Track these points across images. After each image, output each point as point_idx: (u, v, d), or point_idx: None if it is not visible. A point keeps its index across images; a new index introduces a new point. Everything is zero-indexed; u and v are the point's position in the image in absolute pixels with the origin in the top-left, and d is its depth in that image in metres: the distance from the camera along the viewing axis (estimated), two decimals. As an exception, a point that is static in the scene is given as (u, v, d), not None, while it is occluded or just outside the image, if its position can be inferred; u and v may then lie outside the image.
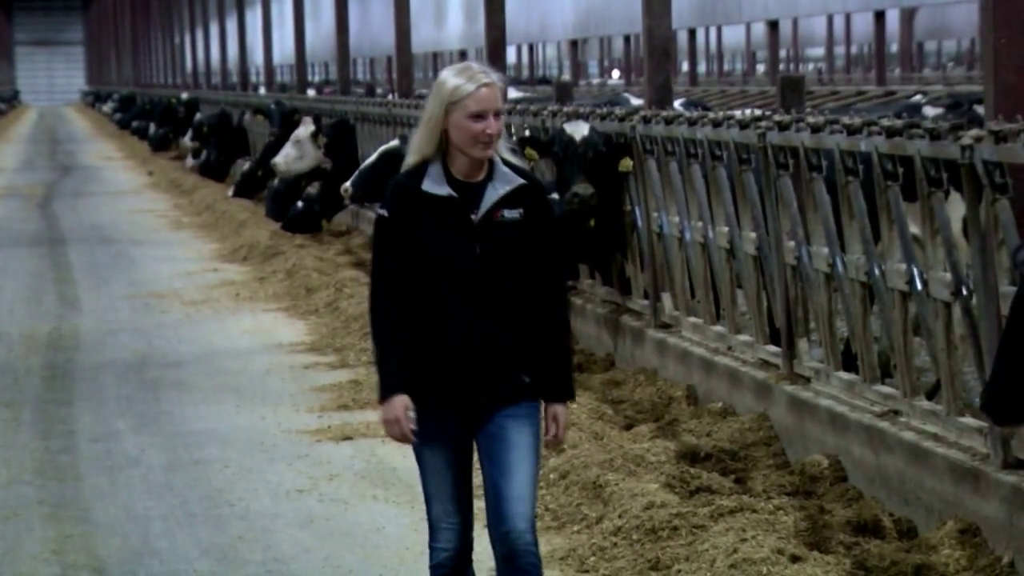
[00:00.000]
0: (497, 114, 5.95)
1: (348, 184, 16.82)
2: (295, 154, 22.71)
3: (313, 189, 22.23)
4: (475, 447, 6.16)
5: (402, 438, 6.05)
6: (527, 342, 6.06)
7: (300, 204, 21.76)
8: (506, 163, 6.07)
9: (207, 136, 33.72)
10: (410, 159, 6.07)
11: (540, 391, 6.12)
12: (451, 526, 6.12)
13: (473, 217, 6.01)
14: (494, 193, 6.02)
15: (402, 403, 6.00)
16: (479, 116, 5.93)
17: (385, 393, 6.03)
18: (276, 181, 23.86)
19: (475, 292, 6.00)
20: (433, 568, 6.16)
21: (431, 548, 6.16)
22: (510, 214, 6.03)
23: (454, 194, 6.00)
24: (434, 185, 6.01)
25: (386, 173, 18.80)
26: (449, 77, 6.00)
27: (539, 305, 6.07)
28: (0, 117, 78.45)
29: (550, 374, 6.13)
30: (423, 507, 6.05)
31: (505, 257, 6.02)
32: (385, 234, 6.07)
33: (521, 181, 6.06)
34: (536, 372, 6.09)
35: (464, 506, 6.14)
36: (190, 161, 36.03)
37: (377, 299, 6.07)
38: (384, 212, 6.06)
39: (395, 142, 17.41)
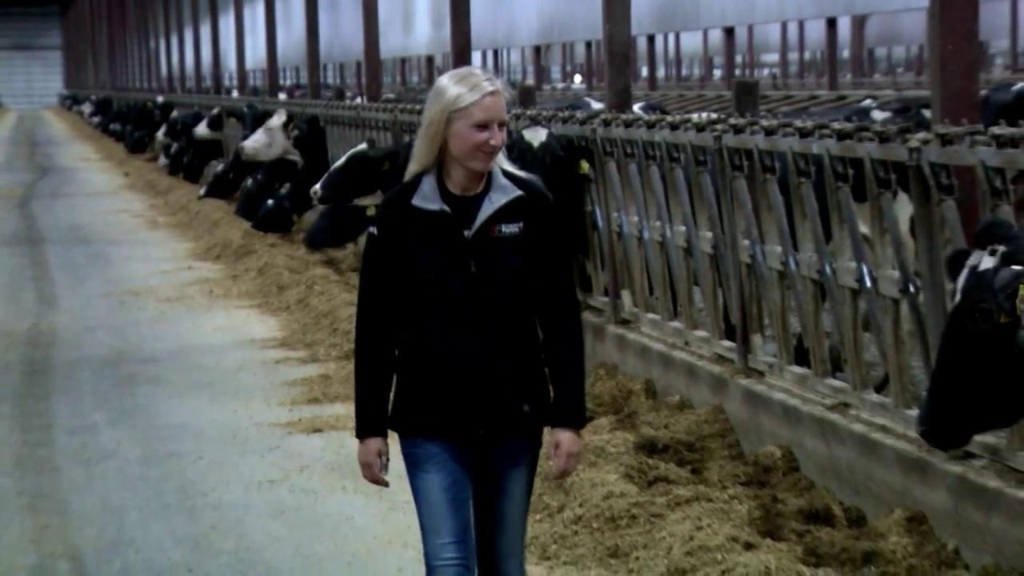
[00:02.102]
0: (502, 124, 5.37)
1: (317, 186, 16.79)
2: (264, 140, 22.70)
3: (284, 190, 22.20)
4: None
5: (374, 482, 5.57)
6: (529, 366, 5.46)
7: (271, 202, 21.72)
8: (507, 174, 5.46)
9: (181, 134, 33.65)
10: (412, 167, 5.47)
11: (547, 416, 5.50)
12: (449, 562, 5.40)
13: (466, 233, 5.37)
14: (489, 206, 5.39)
15: (376, 447, 5.49)
16: (483, 126, 5.33)
17: (360, 434, 5.53)
18: (249, 182, 23.81)
19: (471, 314, 5.37)
20: None
21: None
22: (508, 228, 5.39)
23: (446, 209, 5.38)
24: (425, 200, 5.39)
25: (354, 175, 18.77)
26: (451, 84, 5.40)
27: (548, 324, 5.45)
28: (-20, 120, 78.04)
29: (558, 398, 5.50)
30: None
31: (503, 275, 5.38)
32: (373, 254, 5.47)
33: (519, 192, 5.41)
34: (539, 400, 5.48)
35: (463, 542, 5.43)
36: (163, 159, 35.96)
37: (362, 328, 5.50)
38: (373, 230, 5.47)
39: (363, 145, 17.36)
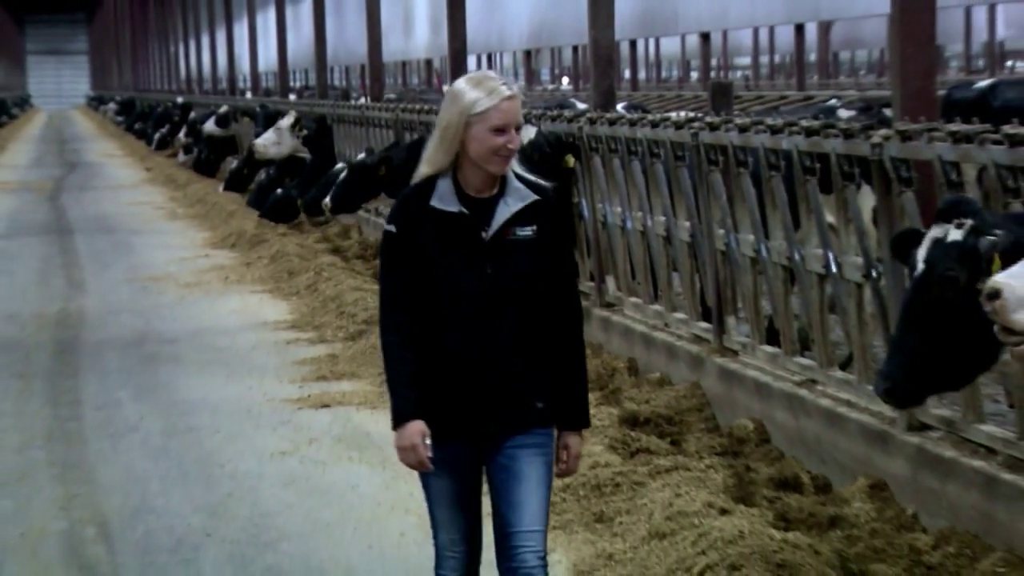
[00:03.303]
0: (518, 127, 5.09)
1: (327, 200, 16.75)
2: (274, 139, 22.81)
3: (292, 183, 22.19)
4: (484, 475, 5.29)
5: (419, 465, 5.13)
6: (540, 365, 5.16)
7: (279, 192, 21.70)
8: (519, 177, 5.17)
9: (199, 134, 33.64)
10: (423, 169, 5.15)
11: (554, 418, 5.23)
12: (456, 555, 5.23)
13: (484, 235, 5.08)
14: (506, 210, 5.09)
15: (418, 429, 5.09)
16: (501, 130, 5.04)
17: (399, 419, 5.12)
18: (262, 175, 23.80)
19: (486, 314, 5.06)
20: None
21: (436, 574, 5.30)
22: (523, 232, 5.10)
23: (464, 211, 5.07)
24: (443, 201, 5.08)
25: (356, 184, 18.87)
26: (468, 89, 5.07)
27: (554, 327, 5.18)
28: (13, 119, 77.96)
29: (564, 400, 5.22)
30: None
31: (517, 277, 5.08)
32: (391, 251, 5.16)
33: (534, 197, 5.13)
34: (550, 398, 5.19)
35: (471, 535, 5.25)
36: (182, 156, 35.94)
37: (386, 319, 5.19)
38: (391, 228, 5.16)
39: (362, 155, 17.39)
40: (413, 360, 5.12)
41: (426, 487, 5.24)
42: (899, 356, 5.50)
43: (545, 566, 5.14)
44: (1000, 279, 4.51)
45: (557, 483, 8.06)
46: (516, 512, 5.13)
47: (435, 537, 5.26)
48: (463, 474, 5.19)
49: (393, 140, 18.57)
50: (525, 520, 5.12)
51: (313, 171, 21.01)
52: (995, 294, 4.49)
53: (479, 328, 5.07)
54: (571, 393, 5.23)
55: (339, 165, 18.95)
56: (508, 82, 5.08)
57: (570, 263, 5.19)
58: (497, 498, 5.18)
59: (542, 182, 5.26)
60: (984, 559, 6.66)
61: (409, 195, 5.16)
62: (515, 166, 5.15)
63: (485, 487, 5.28)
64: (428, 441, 5.09)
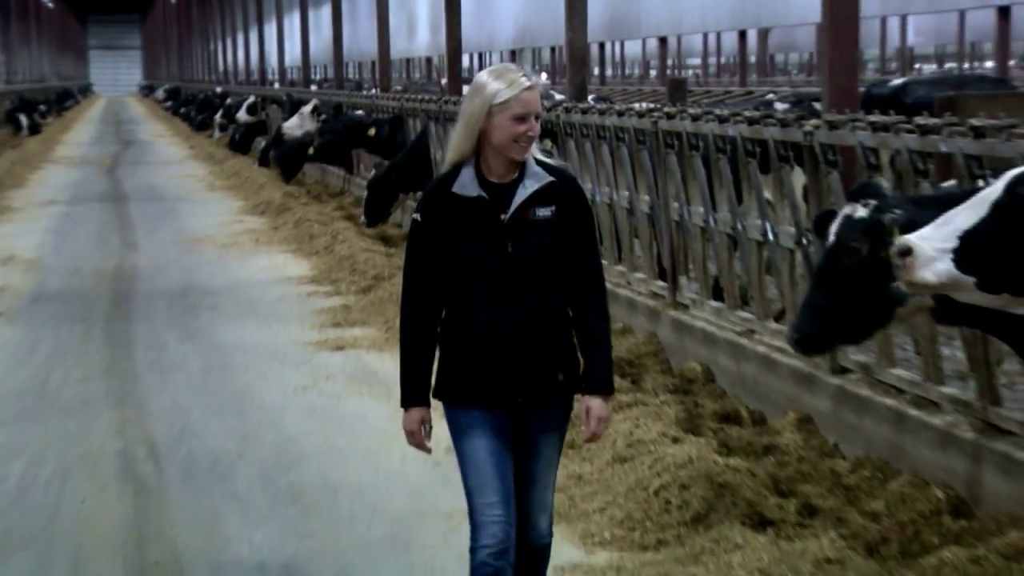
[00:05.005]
0: (537, 116, 4.63)
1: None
2: (297, 123, 23.07)
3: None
4: None
5: (418, 447, 4.78)
6: (561, 340, 4.69)
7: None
8: (539, 163, 4.70)
9: (233, 117, 33.61)
10: (450, 156, 4.72)
11: (578, 384, 4.74)
12: (495, 519, 4.61)
13: (503, 217, 4.62)
14: (524, 192, 4.63)
15: (419, 415, 4.72)
16: (522, 118, 4.59)
17: (404, 404, 4.75)
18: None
19: (508, 291, 4.61)
20: (476, 568, 4.63)
21: (472, 550, 4.63)
22: (541, 212, 4.63)
23: (484, 195, 4.63)
24: (465, 187, 4.65)
25: (346, 132, 18.89)
26: (490, 80, 4.65)
27: (578, 299, 4.70)
28: (78, 104, 77.60)
29: (589, 366, 4.72)
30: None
31: (537, 255, 4.62)
32: (417, 239, 4.70)
33: (551, 178, 4.66)
34: (570, 371, 4.72)
35: (507, 501, 4.66)
36: (217, 133, 35.97)
37: (407, 306, 4.73)
38: (417, 216, 4.71)
39: (360, 112, 17.40)
40: (425, 348, 4.71)
41: (459, 453, 4.73)
42: (808, 312, 5.49)
43: (551, 535, 4.83)
44: (911, 239, 4.45)
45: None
46: (532, 486, 4.75)
47: (470, 508, 4.68)
48: (497, 437, 4.67)
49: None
50: (538, 494, 4.76)
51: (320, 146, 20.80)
52: (907, 251, 4.42)
53: (503, 304, 4.62)
54: (595, 359, 4.70)
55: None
56: (528, 74, 4.68)
57: (591, 241, 4.72)
58: (515, 474, 4.74)
59: (563, 165, 4.88)
60: (893, 481, 6.67)
61: (434, 185, 4.75)
62: (536, 152, 4.71)
63: None
64: (428, 427, 4.74)
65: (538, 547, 4.82)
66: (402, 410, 4.77)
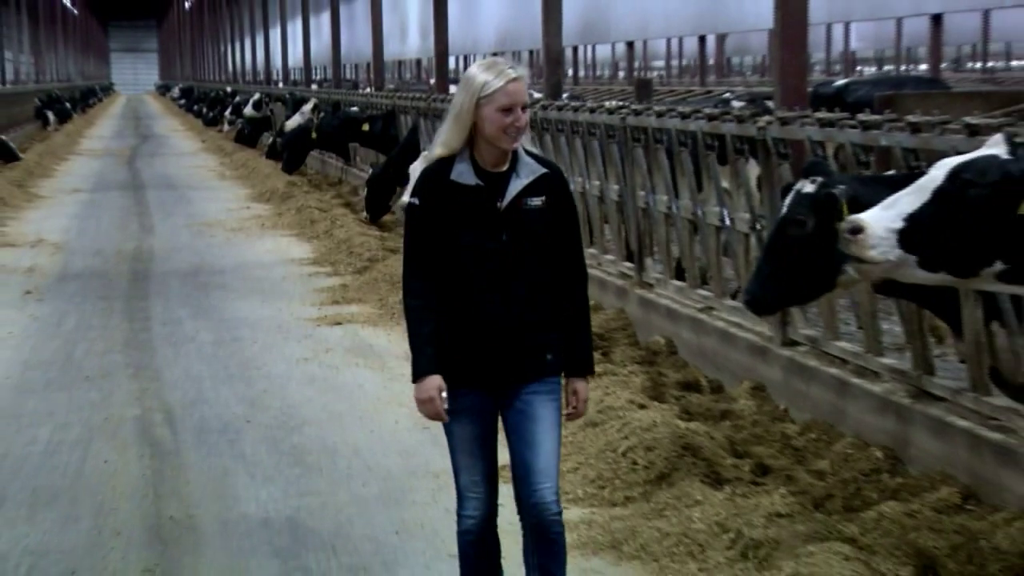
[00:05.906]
0: (524, 107, 4.40)
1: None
2: (299, 120, 22.96)
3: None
4: (501, 422, 4.57)
5: (435, 416, 4.45)
6: (550, 322, 4.49)
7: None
8: (529, 154, 4.50)
9: (241, 112, 33.52)
10: (436, 151, 4.48)
11: (562, 367, 4.55)
12: (478, 495, 4.52)
13: (499, 205, 4.40)
14: (518, 182, 4.42)
15: (435, 383, 4.41)
16: (508, 109, 4.36)
17: (419, 373, 4.44)
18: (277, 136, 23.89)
19: (502, 275, 4.40)
20: (461, 534, 4.59)
21: (459, 516, 4.58)
22: (534, 202, 4.43)
23: (481, 184, 4.41)
24: (462, 176, 4.41)
25: (342, 127, 18.81)
26: (479, 73, 4.40)
27: (562, 285, 4.51)
28: (100, 102, 77.20)
29: (572, 350, 4.54)
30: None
31: (530, 242, 4.42)
32: (414, 222, 4.46)
33: (543, 170, 4.47)
34: (558, 351, 4.51)
35: (490, 477, 4.54)
36: (226, 127, 35.89)
37: (409, 282, 4.47)
38: (415, 200, 4.47)
39: (355, 108, 17.36)
40: (431, 321, 4.43)
41: (449, 434, 4.55)
42: (759, 277, 5.51)
43: (559, 501, 4.52)
44: (863, 217, 4.39)
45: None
46: (533, 451, 4.48)
47: (457, 483, 4.56)
48: (483, 420, 4.50)
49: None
50: (541, 459, 4.48)
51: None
52: (858, 229, 4.38)
53: (497, 288, 4.40)
54: (578, 343, 4.55)
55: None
56: (515, 66, 4.40)
57: (576, 231, 4.55)
58: (515, 439, 4.51)
59: (548, 158, 4.71)
60: (837, 443, 6.68)
61: (430, 171, 4.49)
62: (525, 143, 4.48)
63: (501, 437, 4.57)
64: (444, 394, 4.42)
65: (548, 523, 4.49)
66: (414, 384, 4.46)
